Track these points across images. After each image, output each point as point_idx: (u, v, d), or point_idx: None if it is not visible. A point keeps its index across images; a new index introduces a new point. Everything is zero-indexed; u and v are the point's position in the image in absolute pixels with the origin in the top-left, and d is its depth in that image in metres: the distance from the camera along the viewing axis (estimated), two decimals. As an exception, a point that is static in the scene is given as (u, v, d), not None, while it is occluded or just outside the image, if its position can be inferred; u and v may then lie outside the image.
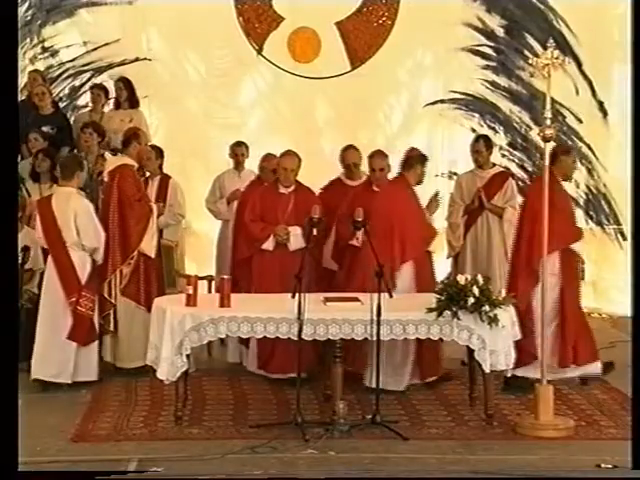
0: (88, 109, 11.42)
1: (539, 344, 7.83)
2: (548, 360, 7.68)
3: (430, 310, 7.27)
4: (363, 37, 12.03)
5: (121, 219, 8.90)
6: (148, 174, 10.47)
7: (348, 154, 9.29)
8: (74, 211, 8.53)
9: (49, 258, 8.61)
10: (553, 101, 7.57)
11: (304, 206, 8.40)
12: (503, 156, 11.88)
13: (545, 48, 7.44)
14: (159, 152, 10.50)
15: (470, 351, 7.53)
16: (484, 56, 12.10)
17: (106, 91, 11.39)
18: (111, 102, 11.38)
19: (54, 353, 8.43)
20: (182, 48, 12.15)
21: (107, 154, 9.52)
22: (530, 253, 8.12)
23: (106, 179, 9.10)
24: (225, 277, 7.68)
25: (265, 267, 8.68)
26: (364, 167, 9.18)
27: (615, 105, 11.71)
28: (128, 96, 11.13)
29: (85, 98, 11.75)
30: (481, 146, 9.69)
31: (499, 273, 9.36)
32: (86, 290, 8.49)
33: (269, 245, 8.66)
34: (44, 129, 10.74)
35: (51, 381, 8.42)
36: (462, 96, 12.08)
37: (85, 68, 11.94)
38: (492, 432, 7.38)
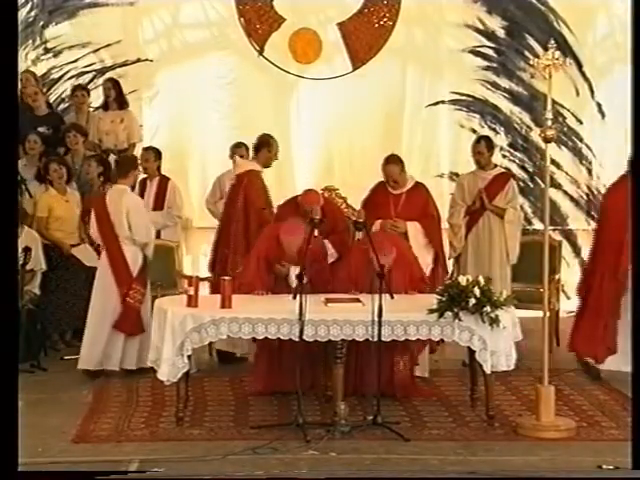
0: (74, 112, 11.42)
1: None
2: None
3: (431, 311, 7.26)
4: (364, 38, 12.02)
5: (245, 225, 9.01)
6: (146, 175, 10.51)
7: (388, 168, 9.05)
8: (126, 207, 8.85)
9: (103, 252, 8.90)
10: (554, 102, 7.58)
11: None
12: (504, 157, 11.89)
13: (546, 49, 7.42)
14: (157, 153, 10.53)
15: (471, 352, 7.53)
16: (485, 57, 12.10)
17: (88, 92, 11.42)
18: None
19: (103, 344, 8.76)
20: (182, 48, 12.15)
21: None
22: None
23: (233, 182, 9.24)
24: (226, 278, 7.66)
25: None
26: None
27: (615, 106, 11.70)
28: (116, 96, 11.13)
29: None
30: (482, 147, 9.68)
31: (500, 274, 9.38)
32: (136, 283, 8.81)
33: None
34: (40, 130, 10.76)
35: (99, 370, 8.78)
36: (463, 97, 12.07)
37: (87, 69, 11.94)
38: (493, 433, 7.37)
